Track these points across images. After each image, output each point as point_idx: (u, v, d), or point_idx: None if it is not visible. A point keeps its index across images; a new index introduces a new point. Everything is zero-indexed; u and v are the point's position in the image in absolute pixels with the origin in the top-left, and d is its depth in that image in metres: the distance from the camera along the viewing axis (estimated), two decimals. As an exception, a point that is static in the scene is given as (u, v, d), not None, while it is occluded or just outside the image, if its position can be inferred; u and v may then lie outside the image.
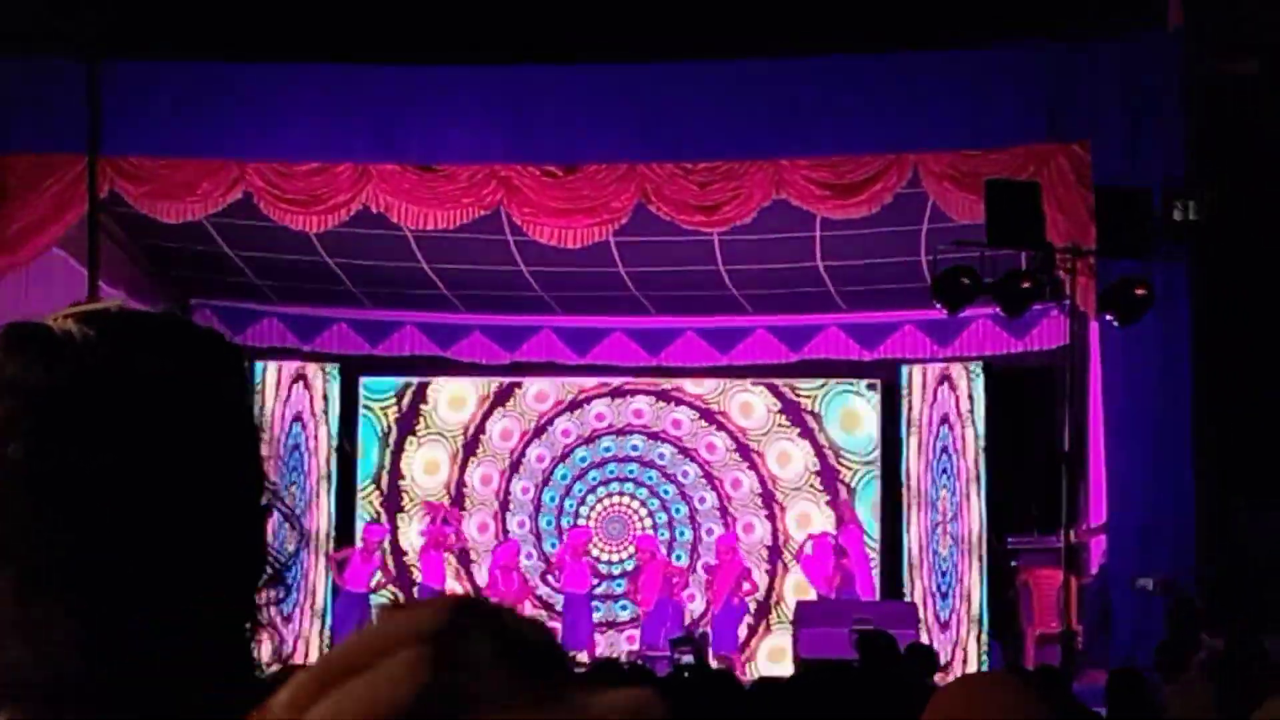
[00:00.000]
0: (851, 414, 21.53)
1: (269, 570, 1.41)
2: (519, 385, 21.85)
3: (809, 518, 21.44)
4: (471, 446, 21.78)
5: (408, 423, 21.84)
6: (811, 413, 21.52)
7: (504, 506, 21.83)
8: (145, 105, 17.30)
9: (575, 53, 17.33)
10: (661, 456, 21.83)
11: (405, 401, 21.85)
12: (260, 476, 1.41)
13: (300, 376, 21.88)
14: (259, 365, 21.51)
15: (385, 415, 21.85)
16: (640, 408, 21.94)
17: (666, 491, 21.79)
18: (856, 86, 17.09)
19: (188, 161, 17.73)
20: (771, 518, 21.58)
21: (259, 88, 17.61)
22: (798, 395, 21.57)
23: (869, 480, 21.43)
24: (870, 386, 21.44)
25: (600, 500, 21.96)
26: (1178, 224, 14.60)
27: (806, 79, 17.21)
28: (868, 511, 21.32)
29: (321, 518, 21.66)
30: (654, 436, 21.89)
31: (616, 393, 21.88)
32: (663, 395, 21.89)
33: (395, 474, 21.82)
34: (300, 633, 21.25)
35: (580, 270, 19.48)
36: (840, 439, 21.51)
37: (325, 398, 21.95)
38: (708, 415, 21.78)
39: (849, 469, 21.48)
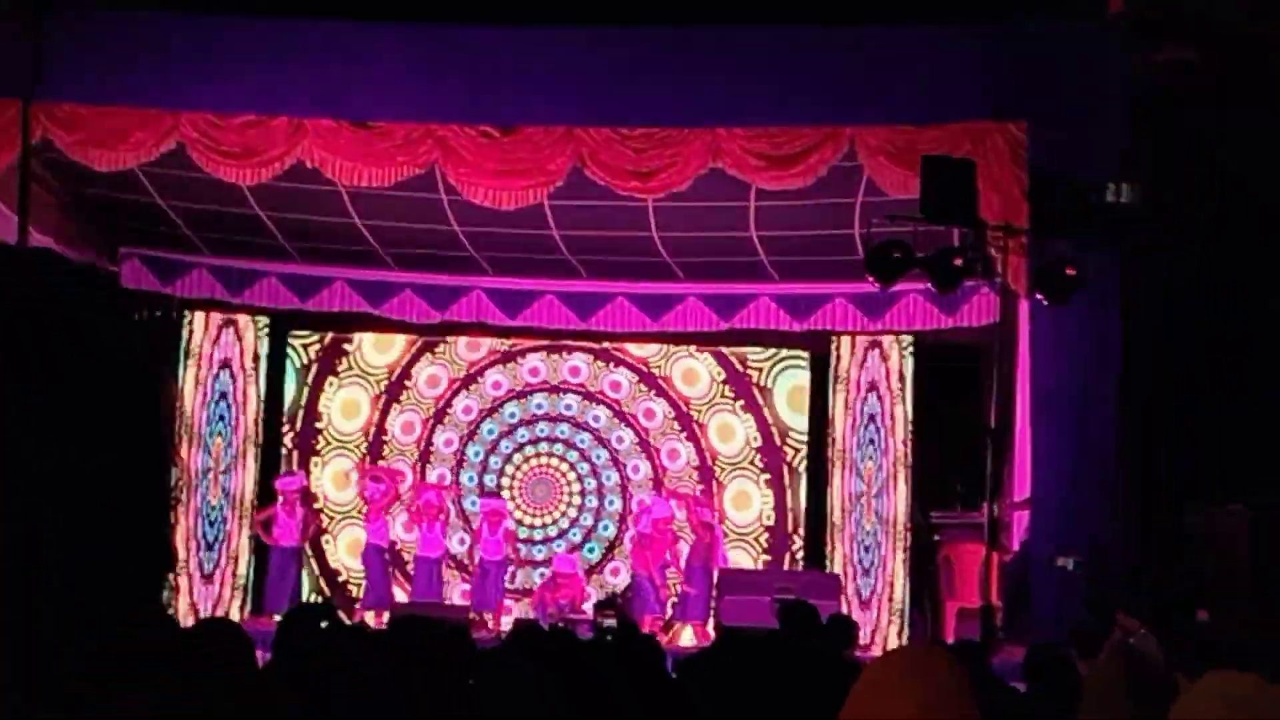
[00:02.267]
0: (799, 390, 21.47)
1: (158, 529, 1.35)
2: (481, 375, 21.61)
3: (747, 497, 21.42)
4: (395, 391, 21.48)
5: (329, 361, 21.55)
6: (759, 386, 21.45)
7: (424, 458, 21.60)
8: (82, 53, 17.17)
9: (516, 14, 17.28)
10: (596, 419, 21.63)
11: (329, 339, 21.50)
12: (155, 432, 1.35)
13: (230, 323, 21.72)
14: (186, 315, 21.43)
15: (307, 351, 21.58)
16: (578, 365, 21.77)
17: (599, 456, 21.63)
18: (797, 58, 17.10)
19: (122, 110, 17.60)
20: (707, 493, 21.44)
21: (196, 38, 17.50)
22: (746, 368, 21.52)
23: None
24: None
25: (527, 460, 21.79)
26: (1110, 206, 14.68)
27: (747, 49, 17.21)
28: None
29: (247, 477, 21.57)
30: (590, 397, 21.71)
31: (553, 348, 21.64)
32: (602, 354, 21.72)
33: (312, 414, 21.56)
34: (220, 592, 21.20)
35: (513, 232, 19.45)
36: (788, 417, 21.47)
37: (256, 355, 21.84)
38: (649, 380, 21.64)
39: (793, 449, 21.47)
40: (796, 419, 21.46)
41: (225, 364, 21.69)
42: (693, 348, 21.57)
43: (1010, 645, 15.30)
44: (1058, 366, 16.57)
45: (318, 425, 21.48)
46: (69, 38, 17.12)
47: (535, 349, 21.60)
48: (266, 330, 21.96)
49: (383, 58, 17.52)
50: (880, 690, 2.35)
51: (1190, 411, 16.21)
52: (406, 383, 21.53)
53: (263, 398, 21.82)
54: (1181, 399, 16.28)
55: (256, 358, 21.80)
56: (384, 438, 21.50)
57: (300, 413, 21.49)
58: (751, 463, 21.48)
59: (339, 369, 21.54)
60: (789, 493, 21.48)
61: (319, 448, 21.54)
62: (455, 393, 21.62)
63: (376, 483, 20.98)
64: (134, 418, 1.33)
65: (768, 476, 21.45)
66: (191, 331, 21.57)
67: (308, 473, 21.40)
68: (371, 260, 21.04)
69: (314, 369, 21.51)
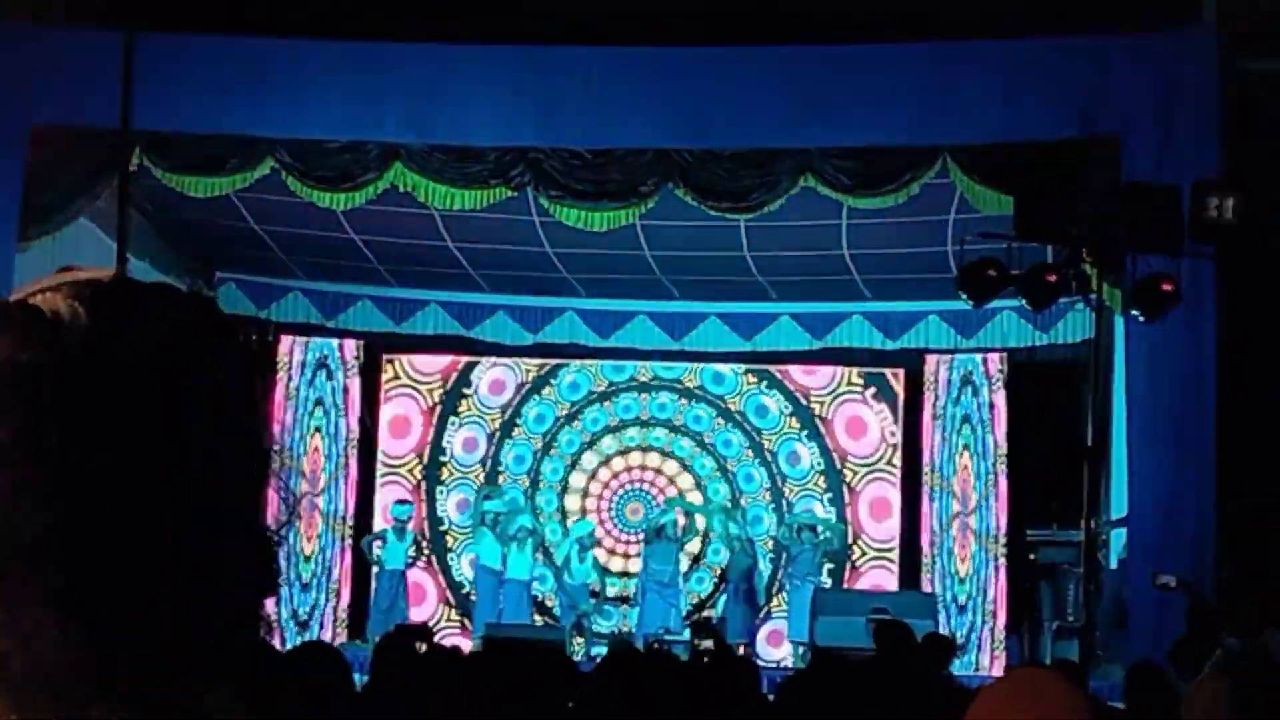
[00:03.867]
0: (858, 421, 21.79)
1: (265, 569, 1.36)
2: (554, 376, 22.27)
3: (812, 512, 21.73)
4: (508, 429, 22.37)
5: (452, 404, 22.35)
6: (821, 418, 21.85)
7: (534, 484, 22.32)
8: (177, 79, 17.33)
9: (607, 35, 17.32)
10: (682, 449, 22.32)
11: (450, 382, 22.33)
12: (258, 459, 1.36)
13: (323, 362, 22.05)
14: (284, 340, 21.69)
15: (431, 395, 22.34)
16: (664, 402, 22.33)
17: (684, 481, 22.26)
18: (888, 76, 17.06)
19: (217, 136, 17.76)
20: (777, 510, 21.90)
21: (289, 64, 17.62)
22: (809, 401, 21.87)
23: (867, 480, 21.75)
24: (876, 396, 21.70)
25: (623, 485, 22.31)
26: (1208, 221, 14.53)
27: (838, 67, 17.17)
28: (866, 507, 21.62)
29: (340, 499, 21.89)
30: (675, 430, 22.26)
31: (644, 387, 22.28)
32: (686, 393, 22.22)
33: (437, 450, 22.36)
34: (318, 605, 21.53)
35: (605, 253, 19.49)
36: (846, 443, 21.78)
37: (348, 375, 22.18)
38: (726, 414, 22.12)
39: (852, 471, 21.77)
40: (853, 445, 21.81)
41: (319, 402, 22.00)
42: (763, 385, 22.02)
43: (1109, 665, 15.18)
44: (1154, 383, 16.43)
45: (442, 460, 22.31)
46: (163, 65, 17.28)
47: (627, 389, 22.31)
48: (361, 354, 22.22)
49: (474, 80, 17.59)
50: (996, 714, 2.33)
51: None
52: (517, 420, 22.36)
53: (358, 420, 22.13)
54: (1278, 417, 16.10)
55: (348, 375, 22.10)
56: (498, 467, 22.27)
57: (427, 449, 22.27)
58: (815, 485, 21.87)
59: (460, 410, 22.33)
60: (849, 510, 21.74)
61: (444, 478, 22.30)
62: (560, 428, 22.37)
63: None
64: (239, 440, 1.34)
65: (830, 495, 21.78)
66: (291, 354, 21.80)
67: (432, 499, 21.94)
68: (465, 283, 21.16)
69: (438, 410, 22.32)
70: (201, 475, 1.30)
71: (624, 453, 22.31)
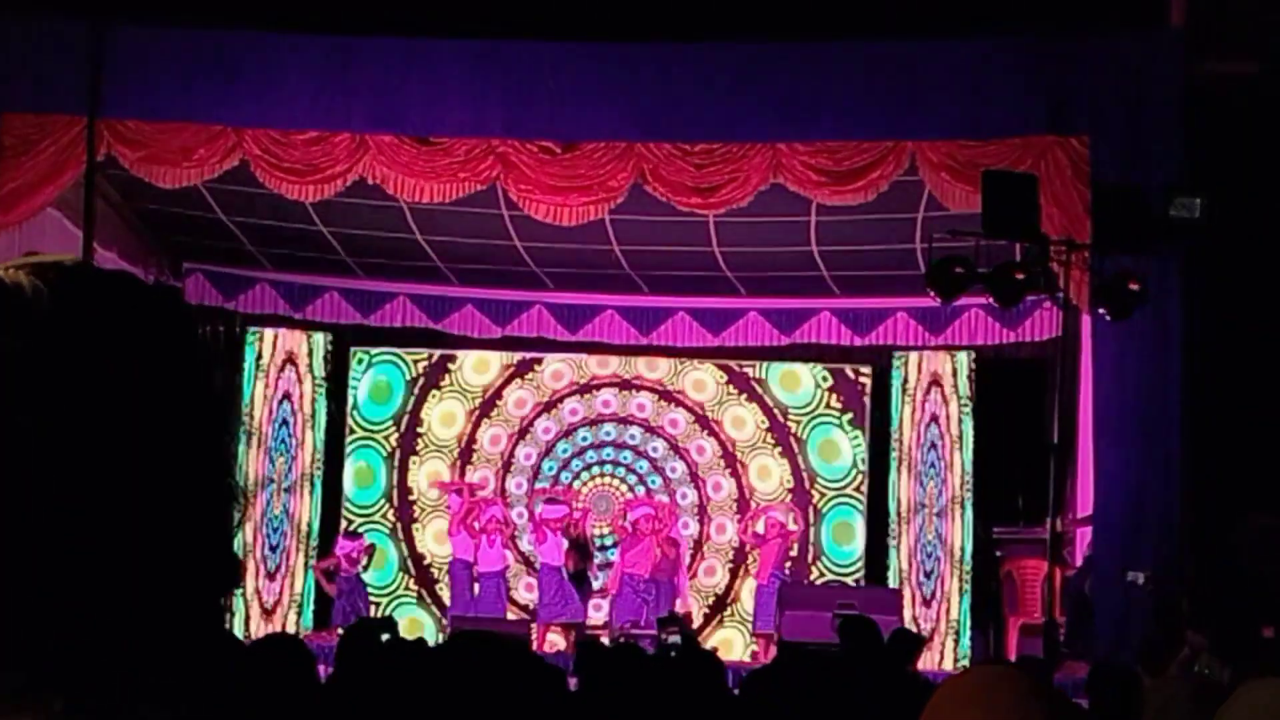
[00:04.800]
0: (830, 444, 21.80)
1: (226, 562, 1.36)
2: (539, 361, 22.30)
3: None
4: (487, 408, 22.36)
5: (435, 376, 22.37)
6: (795, 436, 21.85)
7: (505, 468, 22.32)
8: (145, 70, 17.29)
9: (577, 29, 17.32)
10: (655, 449, 22.30)
11: (436, 358, 22.38)
12: (217, 448, 1.36)
13: (290, 358, 22.04)
14: (254, 331, 21.65)
15: (416, 366, 22.40)
16: (643, 402, 22.34)
17: (654, 481, 22.25)
18: (857, 73, 17.10)
19: (186, 126, 17.71)
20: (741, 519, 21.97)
21: (259, 55, 17.59)
22: (786, 420, 21.87)
23: (837, 506, 21.79)
24: (852, 423, 21.72)
25: (595, 478, 22.31)
26: (1174, 221, 14.58)
27: (808, 64, 17.20)
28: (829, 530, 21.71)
29: (310, 501, 22.10)
30: (651, 430, 22.29)
31: (624, 385, 22.29)
32: (665, 395, 22.24)
33: (415, 421, 22.34)
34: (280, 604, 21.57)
35: (574, 247, 19.49)
36: (818, 465, 21.82)
37: (314, 365, 22.21)
38: (703, 421, 22.15)
39: (820, 493, 21.79)
40: (826, 468, 21.81)
41: (286, 396, 22.02)
42: (743, 397, 22.01)
43: (1073, 661, 15.23)
44: (1120, 381, 16.49)
45: (419, 430, 22.31)
46: (132, 55, 17.25)
47: (609, 384, 22.36)
48: (330, 345, 22.21)
49: (444, 74, 17.58)
50: (954, 712, 2.33)
51: (1254, 426, 16.11)
52: (498, 402, 22.35)
53: (326, 416, 22.16)
54: (1245, 413, 16.18)
55: (313, 364, 22.09)
56: (474, 446, 22.28)
57: (405, 418, 22.23)
58: (782, 498, 21.87)
59: (442, 384, 22.35)
60: (810, 529, 21.74)
61: (419, 449, 22.30)
62: (538, 414, 22.36)
63: (458, 495, 21.36)
64: (198, 429, 1.34)
65: (795, 513, 21.68)
66: (260, 347, 21.78)
67: (405, 471, 22.11)
68: (433, 276, 21.14)
69: (420, 382, 22.33)
70: (158, 461, 1.30)
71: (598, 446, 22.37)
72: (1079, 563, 17.71)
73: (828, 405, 21.82)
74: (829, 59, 17.20)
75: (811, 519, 21.68)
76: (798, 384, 21.90)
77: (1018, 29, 16.75)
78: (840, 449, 21.77)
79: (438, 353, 22.22)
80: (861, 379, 21.75)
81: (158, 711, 1.28)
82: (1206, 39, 16.45)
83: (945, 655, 20.43)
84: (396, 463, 22.25)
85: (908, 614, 20.02)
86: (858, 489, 21.70)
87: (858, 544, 21.62)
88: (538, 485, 22.20)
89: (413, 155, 17.86)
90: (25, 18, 17.14)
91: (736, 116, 17.25)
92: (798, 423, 21.86)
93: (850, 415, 21.70)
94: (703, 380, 22.08)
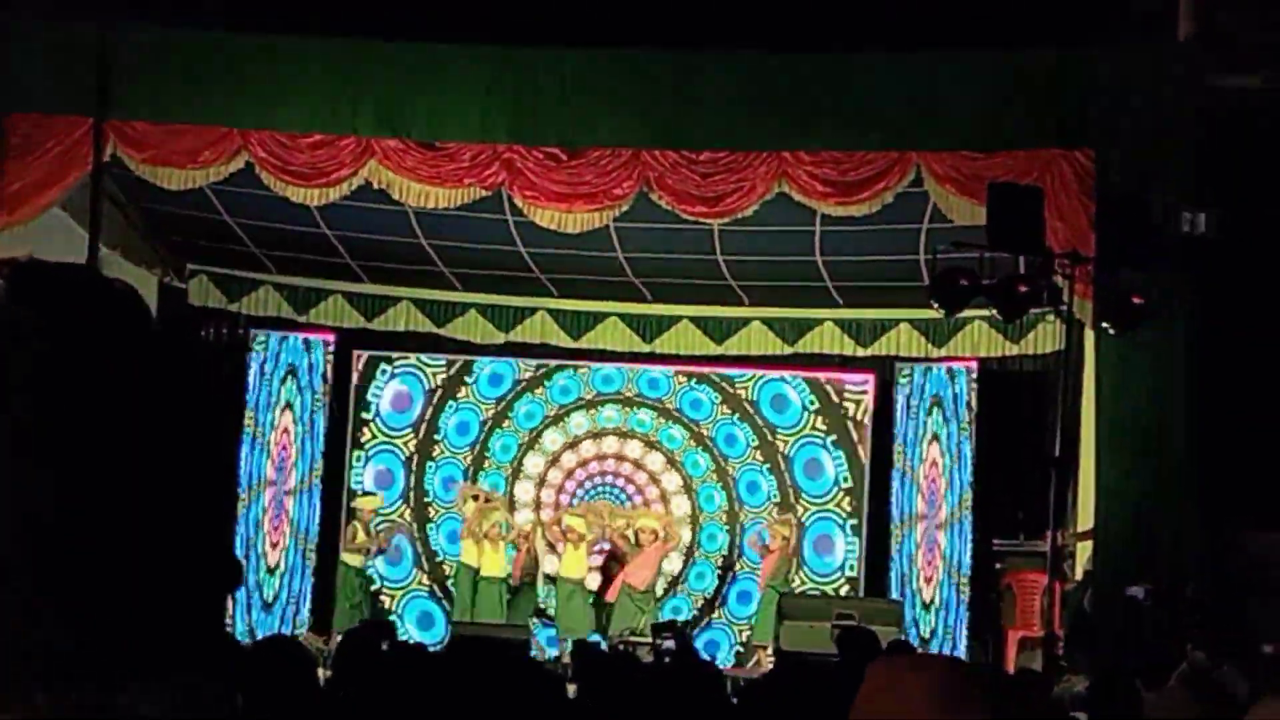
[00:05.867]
0: (814, 463, 21.96)
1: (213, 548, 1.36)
2: (548, 377, 22.53)
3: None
4: (499, 419, 22.56)
5: (453, 387, 22.58)
6: (783, 454, 22.01)
7: (514, 476, 22.52)
8: (151, 71, 17.31)
9: (584, 36, 17.32)
10: (653, 463, 22.49)
11: (455, 368, 22.57)
12: (188, 450, 1.36)
13: (291, 370, 22.11)
14: (259, 334, 21.71)
15: (435, 377, 22.59)
16: (644, 417, 22.52)
17: (652, 492, 22.48)
18: (863, 84, 17.11)
19: (191, 129, 17.73)
20: (731, 532, 22.19)
21: (265, 59, 17.62)
22: (775, 438, 22.04)
23: (819, 520, 21.98)
24: (835, 444, 21.88)
25: (596, 486, 22.51)
26: (1180, 236, 14.58)
27: (814, 74, 17.22)
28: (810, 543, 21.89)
29: (305, 510, 22.21)
30: (650, 445, 22.46)
31: (627, 402, 22.48)
32: (664, 412, 22.37)
33: (432, 428, 22.54)
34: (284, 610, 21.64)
35: (578, 253, 19.49)
36: (802, 481, 21.97)
37: (325, 376, 22.38)
38: (698, 437, 22.31)
39: (804, 507, 21.94)
40: (811, 485, 21.98)
41: (292, 381, 22.07)
42: (736, 416, 22.17)
43: (1072, 675, 15.21)
44: (1123, 396, 16.47)
45: (435, 438, 22.50)
46: (138, 57, 17.26)
47: (613, 400, 22.58)
48: (333, 350, 22.24)
49: (450, 79, 17.60)
50: (881, 691, 2.34)
51: (1258, 441, 16.09)
52: (509, 414, 22.55)
53: (327, 420, 22.28)
54: (1248, 428, 16.16)
55: (325, 379, 22.16)
56: (486, 454, 22.50)
57: (423, 426, 22.43)
58: (839, 505, 22.06)
59: (458, 395, 22.54)
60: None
61: (434, 455, 22.50)
62: (546, 427, 22.57)
63: (472, 500, 21.66)
64: (195, 437, 1.34)
65: (854, 522, 21.98)
66: (265, 355, 21.83)
67: (420, 475, 22.41)
68: (437, 281, 21.15)
69: (439, 392, 22.52)
70: (124, 457, 1.31)
71: (600, 458, 22.61)
72: (1079, 577, 17.67)
73: (813, 427, 21.95)
74: (835, 70, 17.21)
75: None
76: (786, 406, 22.09)
77: (1024, 41, 16.74)
78: (824, 467, 21.96)
79: (459, 360, 22.44)
80: (846, 403, 21.88)
81: (140, 703, 1.27)
82: (1214, 52, 16.44)
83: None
84: (414, 467, 22.50)
85: (908, 616, 20.18)
86: (838, 504, 21.85)
87: (837, 555, 21.80)
88: (543, 492, 22.43)
89: (418, 160, 17.86)
90: (32, 19, 17.15)
91: (742, 125, 17.26)
92: (785, 441, 22.04)
93: (834, 437, 21.88)
94: (699, 400, 22.24)
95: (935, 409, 21.20)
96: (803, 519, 21.75)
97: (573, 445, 22.50)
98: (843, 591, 21.50)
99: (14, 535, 1.27)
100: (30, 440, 1.29)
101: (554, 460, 22.47)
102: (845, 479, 21.86)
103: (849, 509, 21.79)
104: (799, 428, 22.01)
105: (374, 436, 22.56)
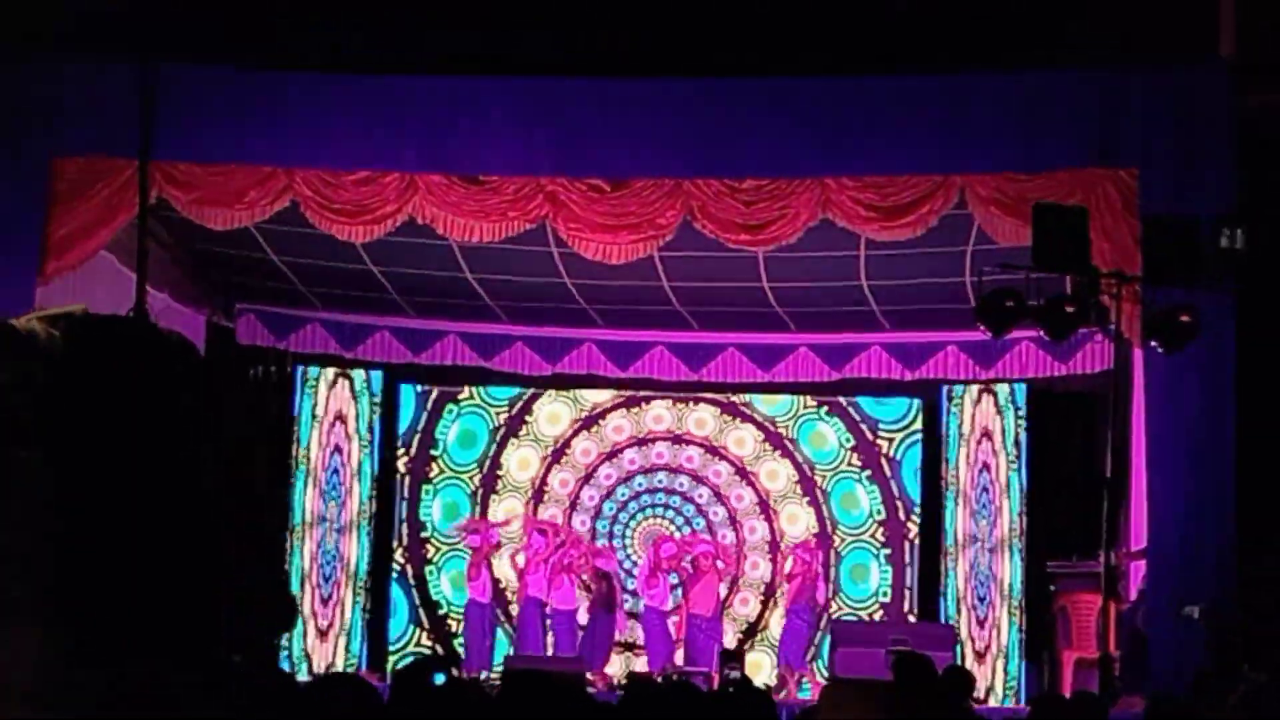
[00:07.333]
0: (850, 496, 22.37)
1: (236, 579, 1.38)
2: (603, 416, 23.01)
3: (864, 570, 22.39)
4: (558, 455, 23.07)
5: (515, 425, 23.05)
6: (821, 489, 22.50)
7: (572, 506, 22.96)
8: (196, 112, 17.38)
9: (624, 67, 17.36)
10: (700, 496, 22.97)
11: (517, 408, 23.03)
12: (222, 486, 1.39)
13: (344, 377, 22.29)
14: (302, 369, 21.83)
15: (497, 416, 23.04)
16: (692, 454, 22.96)
17: (699, 523, 22.90)
18: (905, 108, 17.09)
19: (237, 168, 17.79)
20: (773, 561, 22.60)
21: (308, 97, 17.67)
22: (814, 474, 22.48)
23: (854, 549, 22.38)
24: (870, 479, 22.34)
25: (648, 519, 22.91)
26: (1224, 253, 14.53)
27: (855, 99, 17.21)
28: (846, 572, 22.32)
29: (354, 549, 22.25)
30: (698, 479, 22.92)
31: (676, 439, 22.92)
32: (710, 449, 22.82)
33: (495, 465, 22.97)
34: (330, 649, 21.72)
35: (624, 284, 19.51)
36: (839, 514, 22.43)
37: (365, 402, 22.47)
38: (742, 472, 22.80)
39: (841, 539, 22.38)
40: (847, 517, 22.56)
41: (339, 433, 22.25)
42: (778, 453, 22.66)
43: (1129, 696, 15.14)
44: (1173, 413, 16.40)
45: (499, 473, 22.99)
46: (183, 97, 17.34)
47: (664, 438, 23.10)
48: (380, 384, 22.44)
49: (492, 113, 17.63)
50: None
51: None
52: (566, 450, 23.06)
53: (377, 458, 22.59)
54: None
55: (364, 401, 22.53)
56: (545, 488, 22.98)
57: (487, 462, 22.92)
58: (873, 535, 22.36)
59: (520, 433, 23.06)
60: (908, 570, 22.23)
61: (499, 489, 22.94)
62: (601, 462, 23.06)
63: (541, 535, 21.74)
64: (245, 476, 1.37)
65: (888, 551, 22.26)
66: (317, 386, 22.00)
67: (485, 510, 22.78)
68: (483, 314, 21.20)
69: (501, 430, 23.01)
70: (175, 499, 1.34)
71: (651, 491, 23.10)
72: (1133, 597, 17.60)
73: (849, 463, 22.38)
74: (877, 94, 17.20)
75: (833, 560, 22.16)
76: (825, 443, 22.50)
77: (1066, 62, 16.72)
78: (859, 500, 22.34)
79: (524, 395, 22.91)
80: (880, 440, 22.28)
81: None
82: (1256, 70, 16.39)
83: (996, 677, 20.51)
84: (479, 500, 22.83)
85: (962, 633, 20.36)
86: (872, 535, 22.24)
87: (871, 583, 22.19)
88: (598, 523, 22.84)
89: (462, 195, 17.90)
90: (76, 61, 17.25)
91: (784, 152, 17.26)
92: (823, 476, 22.49)
93: (869, 472, 22.32)
94: (743, 438, 22.71)
95: (985, 434, 21.18)
96: (839, 549, 22.14)
97: (626, 480, 22.98)
98: (876, 616, 21.82)
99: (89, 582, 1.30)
100: (91, 490, 1.32)
101: (608, 493, 22.98)
102: (879, 511, 22.25)
103: (882, 539, 22.18)
104: (836, 463, 22.29)
105: (441, 471, 22.88)
